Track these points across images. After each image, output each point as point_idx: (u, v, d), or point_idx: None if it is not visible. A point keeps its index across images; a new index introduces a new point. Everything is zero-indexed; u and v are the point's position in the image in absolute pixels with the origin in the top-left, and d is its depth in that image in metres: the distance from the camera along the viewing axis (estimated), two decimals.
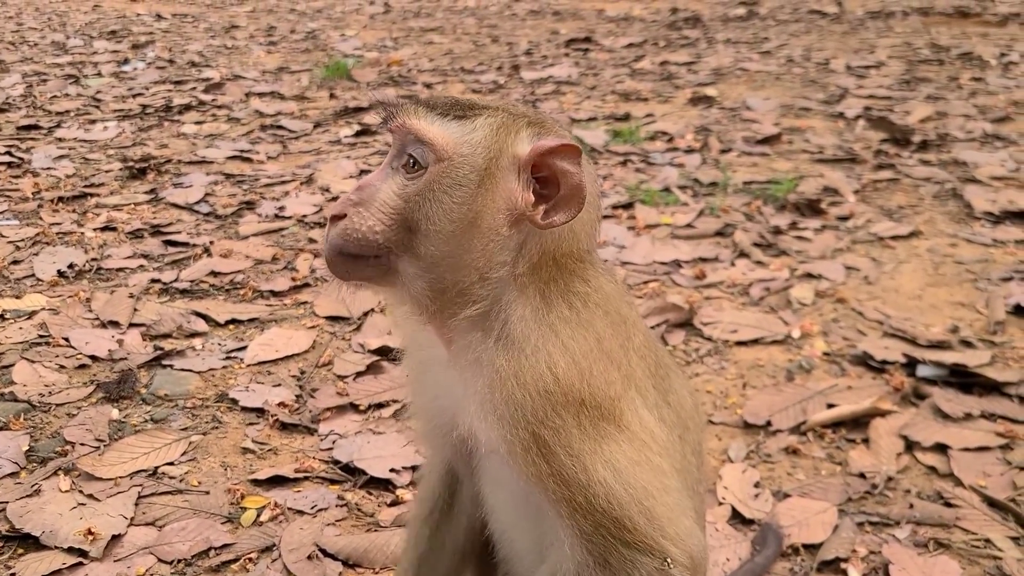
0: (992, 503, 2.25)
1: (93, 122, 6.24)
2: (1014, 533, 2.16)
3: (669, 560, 1.27)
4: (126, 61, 8.46)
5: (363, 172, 5.01)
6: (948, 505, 2.25)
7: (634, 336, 1.37)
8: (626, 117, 6.15)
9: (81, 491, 2.33)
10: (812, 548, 2.12)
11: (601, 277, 1.36)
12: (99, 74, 7.89)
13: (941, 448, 2.47)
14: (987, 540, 2.13)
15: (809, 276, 3.62)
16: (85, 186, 4.81)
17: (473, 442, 1.33)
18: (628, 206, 4.42)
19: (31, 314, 3.32)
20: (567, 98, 6.78)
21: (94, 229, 4.19)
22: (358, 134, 5.85)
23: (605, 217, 4.28)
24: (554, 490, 1.25)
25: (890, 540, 2.13)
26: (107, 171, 5.10)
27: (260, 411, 2.70)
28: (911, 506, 2.25)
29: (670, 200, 4.48)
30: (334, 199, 4.56)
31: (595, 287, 1.34)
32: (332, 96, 6.93)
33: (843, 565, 2.07)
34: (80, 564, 2.08)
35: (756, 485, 2.34)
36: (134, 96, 7.07)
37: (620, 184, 4.74)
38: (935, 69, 7.51)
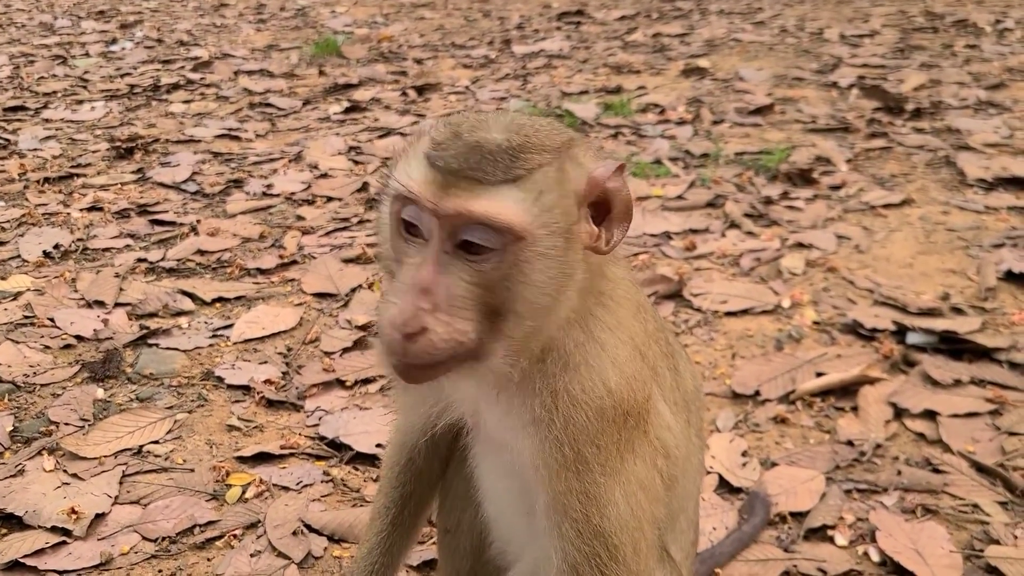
0: (981, 468, 2.24)
1: (80, 102, 6.18)
2: (1002, 498, 2.15)
3: None
4: (114, 41, 8.38)
5: (352, 149, 4.97)
6: (936, 471, 2.24)
7: (649, 322, 1.35)
8: (618, 90, 6.10)
9: (65, 471, 2.32)
10: (799, 516, 2.11)
11: (614, 266, 1.31)
12: (87, 54, 7.81)
13: (930, 415, 2.46)
14: (975, 505, 2.12)
15: (800, 246, 3.59)
16: (72, 167, 4.77)
17: (466, 426, 1.33)
18: None
19: (16, 295, 3.30)
20: (558, 72, 6.71)
21: (80, 209, 4.16)
22: (347, 111, 5.80)
23: None
24: (573, 507, 1.23)
25: (877, 507, 2.12)
26: (94, 151, 5.06)
27: (246, 389, 2.69)
28: (899, 473, 2.24)
29: (661, 172, 4.44)
30: (323, 176, 4.53)
31: (612, 278, 1.29)
32: (322, 73, 6.86)
33: (830, 532, 2.06)
34: (64, 543, 2.07)
35: (744, 454, 2.33)
36: (122, 76, 7.01)
37: (612, 156, 4.69)
38: (929, 37, 7.44)
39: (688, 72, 6.53)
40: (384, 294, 1.24)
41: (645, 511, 1.27)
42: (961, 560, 1.94)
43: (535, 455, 1.22)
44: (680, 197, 4.12)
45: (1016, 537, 2.01)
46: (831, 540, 2.04)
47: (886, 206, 3.97)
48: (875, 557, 1.98)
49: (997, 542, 2.00)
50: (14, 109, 6.01)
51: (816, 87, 6.05)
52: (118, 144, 5.08)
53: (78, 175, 4.65)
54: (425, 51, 7.65)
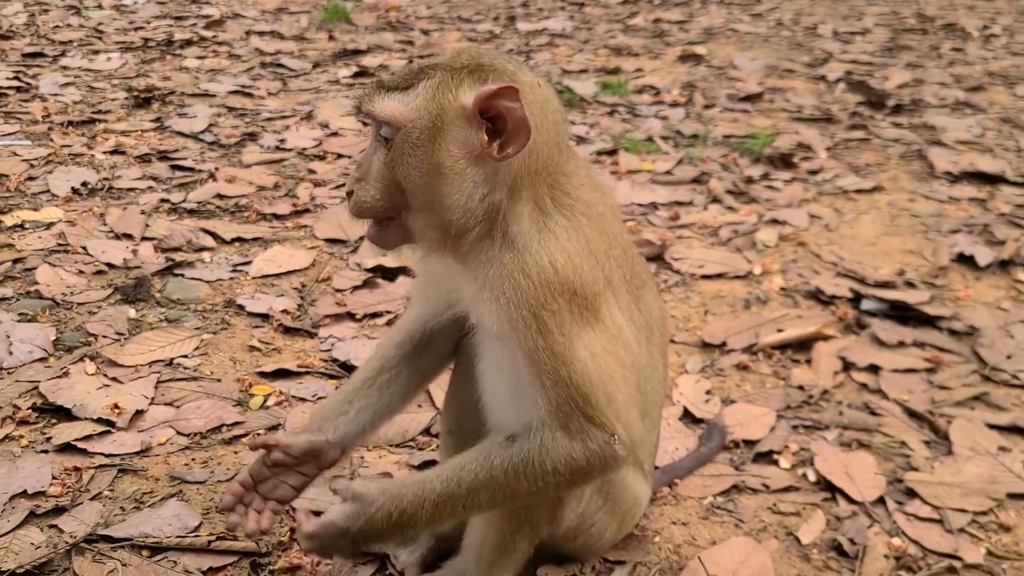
0: (912, 413, 2.56)
1: (96, 52, 6.40)
2: (927, 438, 2.47)
3: (616, 437, 1.55)
4: None
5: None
6: (873, 414, 2.56)
7: (614, 247, 1.62)
8: (616, 71, 6.37)
9: (105, 375, 2.60)
10: (751, 443, 2.43)
11: (581, 189, 1.59)
12: (100, 6, 8.00)
13: (874, 369, 2.78)
14: (903, 442, 2.44)
15: (775, 222, 3.90)
16: (93, 112, 5.01)
17: (470, 323, 1.61)
18: (612, 152, 4.67)
19: (49, 225, 3.56)
20: (560, 50, 6.98)
21: (103, 152, 4.41)
22: (356, 75, 6.05)
23: (589, 162, 4.54)
24: (544, 362, 1.51)
25: (819, 439, 2.44)
26: (113, 99, 5.29)
27: (265, 316, 2.97)
28: (841, 413, 2.56)
29: (652, 149, 4.73)
30: (334, 134, 4.80)
31: (576, 198, 1.58)
32: (331, 38, 7.10)
33: (776, 457, 2.37)
34: (108, 432, 2.36)
35: (707, 392, 2.64)
36: (135, 29, 7.21)
37: (606, 132, 4.99)
38: (918, 38, 7.73)
39: (685, 58, 6.81)
40: None
41: (615, 372, 1.54)
42: (884, 483, 2.26)
43: (504, 323, 1.51)
44: (668, 172, 4.42)
45: (933, 468, 2.33)
46: (776, 463, 2.36)
47: (858, 191, 4.28)
48: (812, 477, 2.30)
49: (917, 470, 2.32)
50: (32, 55, 6.22)
51: (805, 79, 6.34)
52: (136, 94, 5.32)
53: (99, 120, 4.90)
54: (432, 23, 7.89)
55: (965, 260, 3.53)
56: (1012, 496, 2.24)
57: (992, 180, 4.42)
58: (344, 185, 1.64)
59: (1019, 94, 6.03)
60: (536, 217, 1.53)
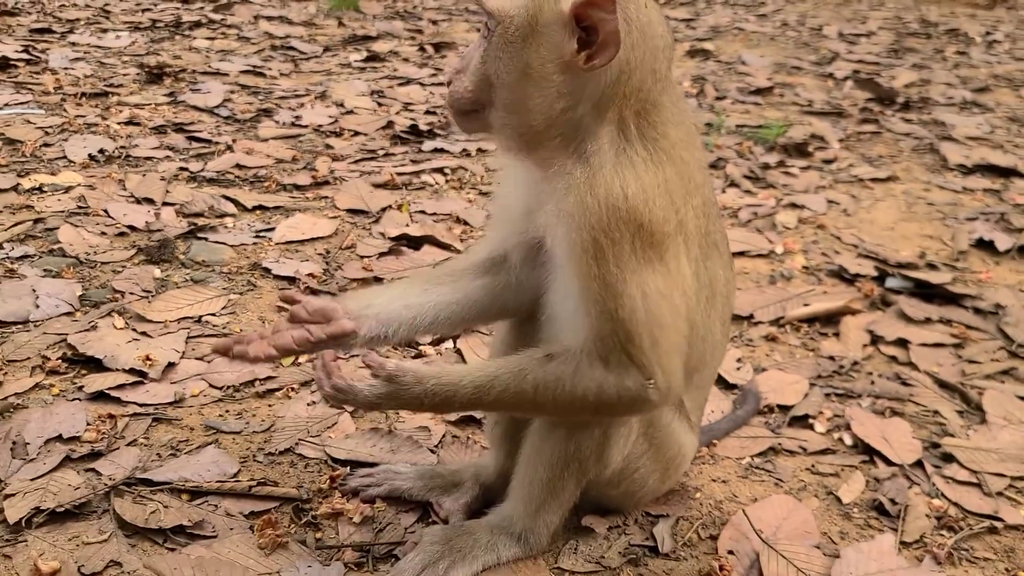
0: (943, 384, 2.57)
1: (105, 31, 6.37)
2: (959, 408, 2.48)
3: (653, 381, 1.53)
4: None
5: (374, 92, 5.22)
6: (904, 384, 2.57)
7: (694, 196, 1.58)
8: None
9: (134, 329, 2.58)
10: (785, 409, 2.43)
11: (670, 126, 1.55)
12: None
13: (902, 343, 2.79)
14: (936, 411, 2.45)
15: (793, 206, 3.91)
16: (105, 85, 4.98)
17: (542, 239, 1.58)
18: None
19: (68, 189, 3.53)
20: None
21: (119, 123, 4.38)
22: (367, 59, 6.04)
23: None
24: (595, 290, 1.49)
25: (852, 406, 2.44)
26: (124, 75, 5.26)
27: (291, 279, 2.95)
28: (872, 383, 2.56)
29: None
30: (349, 112, 4.78)
31: (663, 133, 1.53)
32: (340, 24, 7.09)
33: (811, 421, 2.37)
34: (140, 383, 2.33)
35: (738, 360, 2.64)
36: (143, 11, 7.19)
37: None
38: (922, 42, 7.81)
39: (693, 53, 6.84)
40: None
41: (665, 317, 1.51)
42: (920, 447, 2.26)
43: (565, 242, 1.50)
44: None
45: (968, 435, 2.34)
46: (811, 427, 2.35)
47: (873, 180, 4.31)
48: (848, 441, 2.30)
49: (953, 436, 2.33)
50: (40, 31, 6.18)
51: (813, 76, 6.38)
52: (148, 69, 5.29)
53: (112, 93, 4.86)
54: (440, 14, 7.90)
55: (984, 245, 3.56)
56: None
57: (1005, 173, 4.45)
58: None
59: None
60: (617, 142, 1.51)
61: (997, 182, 4.35)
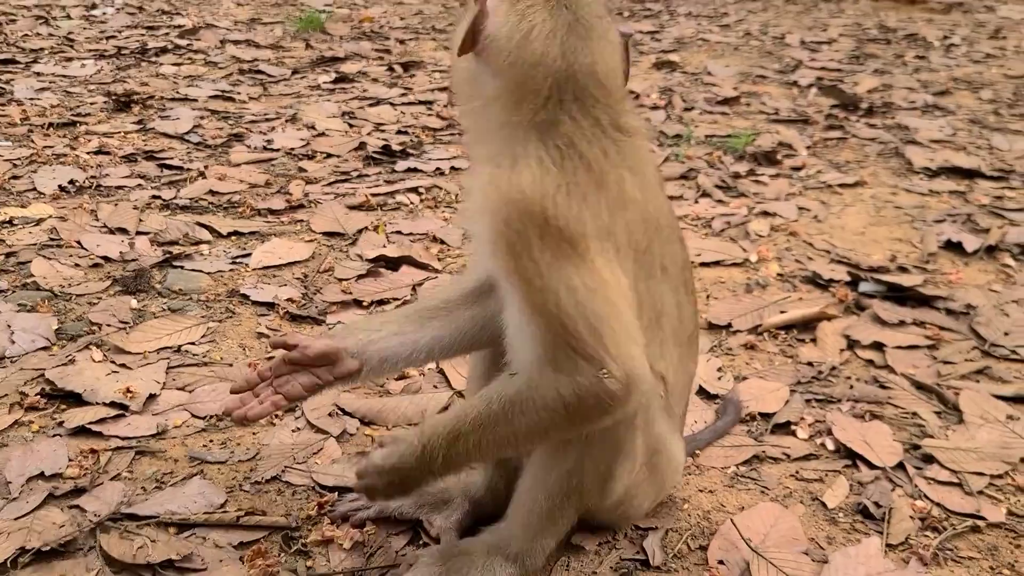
0: (920, 386, 2.61)
1: (70, 60, 6.31)
2: (937, 408, 2.52)
3: (606, 371, 1.49)
4: (94, 6, 8.46)
5: (345, 114, 5.22)
6: (882, 387, 2.61)
7: (627, 209, 1.55)
8: None
9: (113, 362, 2.55)
10: (767, 416, 2.45)
11: (599, 138, 1.53)
12: (68, 16, 7.89)
13: (878, 346, 2.83)
14: (914, 413, 2.49)
15: (765, 214, 3.96)
16: (73, 115, 4.94)
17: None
18: None
19: (39, 221, 3.49)
20: None
21: (88, 152, 4.34)
22: (336, 81, 6.04)
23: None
24: (521, 288, 1.49)
25: (833, 411, 2.47)
26: (92, 103, 5.22)
27: (270, 304, 2.94)
28: (851, 387, 2.60)
29: None
30: (321, 135, 4.78)
31: (590, 143, 1.52)
32: (308, 46, 7.08)
33: (793, 427, 2.40)
34: (122, 415, 2.31)
35: (719, 370, 2.66)
36: (107, 38, 7.13)
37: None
38: (882, 47, 7.94)
39: (660, 65, 6.91)
40: None
41: (600, 307, 1.49)
42: (901, 449, 2.30)
43: (482, 241, 1.54)
44: (657, 169, 4.46)
45: (947, 436, 2.38)
46: (793, 434, 2.38)
47: (841, 186, 4.37)
48: (830, 446, 2.33)
49: (932, 437, 2.36)
50: (4, 62, 6.11)
51: (778, 84, 6.47)
52: (115, 97, 5.25)
53: (80, 122, 4.82)
54: (407, 33, 7.91)
55: (953, 247, 3.62)
56: None
57: (969, 175, 4.54)
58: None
59: (984, 98, 6.21)
60: (534, 143, 1.51)
61: (962, 184, 4.43)
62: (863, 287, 3.19)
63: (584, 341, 1.49)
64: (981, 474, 2.22)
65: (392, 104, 5.51)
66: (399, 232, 3.57)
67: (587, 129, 1.54)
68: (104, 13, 8.17)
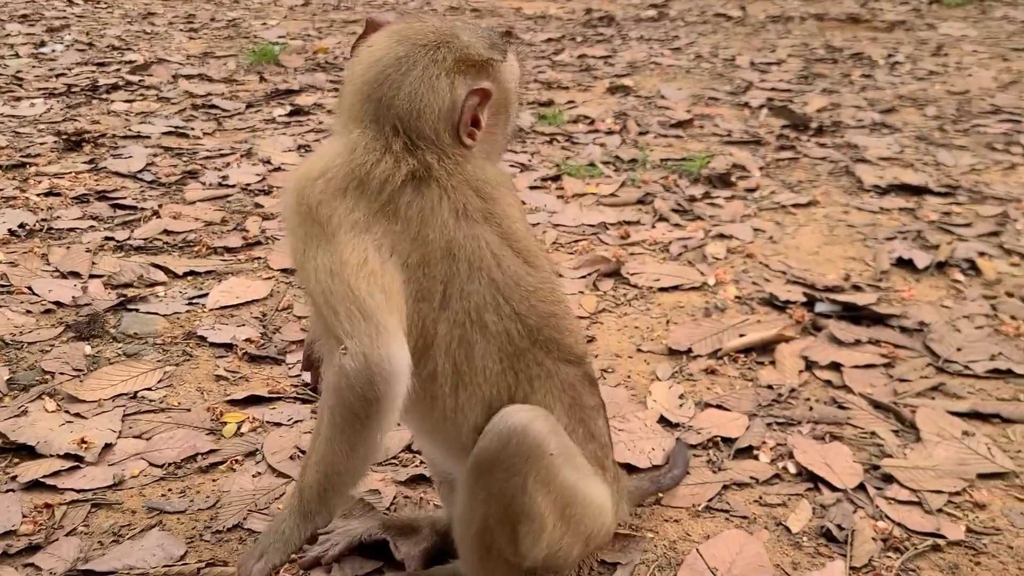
0: (877, 405, 2.65)
1: (18, 99, 6.21)
2: (895, 427, 2.56)
3: (343, 348, 1.47)
4: (43, 44, 8.35)
5: (301, 147, 5.20)
6: (841, 408, 2.64)
7: (408, 227, 1.56)
8: (549, 103, 6.50)
9: (67, 411, 2.50)
10: (729, 442, 2.47)
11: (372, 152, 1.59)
12: (16, 55, 7.78)
13: (835, 366, 2.87)
14: (873, 432, 2.52)
15: (721, 236, 4.01)
16: (22, 156, 4.85)
17: None
18: (556, 178, 4.75)
19: None
20: None
21: (38, 194, 4.27)
22: (291, 114, 6.01)
23: (534, 188, 4.61)
24: (296, 262, 1.61)
25: (793, 434, 2.50)
26: (41, 143, 5.14)
27: (228, 346, 2.90)
28: (811, 409, 2.63)
29: (595, 173, 4.83)
30: (277, 169, 4.75)
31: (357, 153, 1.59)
32: (262, 79, 7.05)
33: (755, 452, 2.42)
34: (77, 467, 2.26)
35: (680, 397, 2.68)
36: (57, 76, 7.03)
37: (548, 160, 5.08)
38: (830, 67, 8.11)
39: (613, 89, 6.99)
40: None
41: (337, 288, 1.49)
42: (861, 470, 2.33)
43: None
44: (613, 195, 4.51)
45: (905, 454, 2.41)
46: (755, 458, 2.40)
47: (795, 206, 4.45)
48: (792, 469, 2.35)
49: (891, 456, 2.40)
50: None
51: (730, 106, 6.58)
52: (65, 137, 5.17)
53: (29, 164, 4.74)
54: None
55: (904, 263, 3.70)
56: (982, 476, 2.33)
57: (918, 191, 4.64)
58: None
59: (929, 114, 6.37)
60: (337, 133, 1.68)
61: (911, 200, 4.53)
62: (819, 307, 3.24)
63: (329, 320, 1.51)
64: (940, 492, 2.25)
65: None
66: None
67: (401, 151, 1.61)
68: (53, 51, 8.07)
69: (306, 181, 1.57)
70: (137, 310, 3.12)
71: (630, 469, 2.32)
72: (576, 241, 3.92)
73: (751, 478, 2.31)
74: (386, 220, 1.57)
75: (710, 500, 2.23)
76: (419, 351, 1.58)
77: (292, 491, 1.63)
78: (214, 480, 2.26)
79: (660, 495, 2.26)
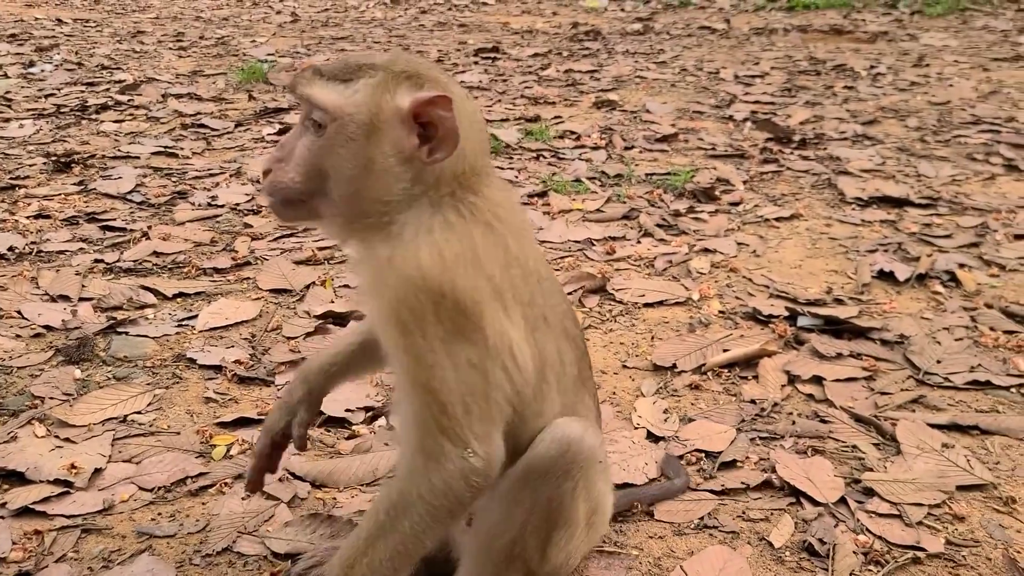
0: (858, 419, 2.69)
1: (7, 120, 6.24)
2: (875, 440, 2.60)
3: (471, 450, 1.53)
4: (32, 64, 8.38)
5: None
6: (823, 422, 2.68)
7: (512, 267, 1.60)
8: (536, 119, 6.55)
9: (57, 436, 2.52)
10: (714, 456, 2.51)
11: (495, 191, 1.62)
12: (6, 75, 7.81)
13: (817, 380, 2.91)
14: (854, 446, 2.56)
15: (706, 251, 4.06)
16: (11, 178, 4.88)
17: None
18: (543, 195, 4.79)
19: None
20: (479, 101, 7.13)
21: (27, 217, 4.29)
22: (280, 132, 6.05)
23: (521, 205, 4.64)
24: (406, 363, 1.53)
25: (777, 448, 2.54)
26: (31, 165, 5.16)
27: (218, 368, 2.93)
28: (793, 423, 2.67)
29: (580, 189, 4.88)
30: None
31: (485, 196, 1.59)
32: (251, 98, 7.09)
33: (739, 466, 2.46)
34: (67, 493, 2.28)
35: (665, 412, 2.72)
36: (46, 97, 7.07)
37: (534, 176, 5.12)
38: (812, 79, 8.20)
39: (599, 104, 7.05)
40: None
41: (477, 386, 1.53)
42: (843, 484, 2.37)
43: (376, 317, 1.56)
44: (599, 210, 4.56)
45: (886, 468, 2.45)
46: (739, 474, 2.43)
47: (778, 219, 4.50)
48: (775, 484, 2.38)
49: (872, 470, 2.44)
50: None
51: (714, 120, 6.64)
52: (55, 158, 5.20)
53: (19, 186, 4.76)
54: None
55: (885, 276, 3.75)
56: (961, 488, 2.37)
57: (899, 203, 4.70)
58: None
59: (910, 126, 6.44)
60: (424, 212, 1.55)
61: (892, 212, 4.59)
62: (801, 321, 3.29)
63: (456, 419, 1.53)
64: (920, 505, 2.29)
65: None
66: (347, 286, 3.58)
67: (488, 184, 1.62)
68: (42, 71, 8.10)
69: (440, 272, 1.48)
70: (127, 333, 3.14)
71: (628, 488, 2.35)
72: (562, 258, 3.96)
73: (735, 494, 2.34)
74: (505, 267, 1.59)
75: (700, 518, 2.26)
76: (538, 373, 1.67)
77: None
78: (203, 503, 2.29)
79: (652, 510, 2.29)
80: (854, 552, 2.12)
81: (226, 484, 2.35)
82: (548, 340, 1.72)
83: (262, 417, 2.65)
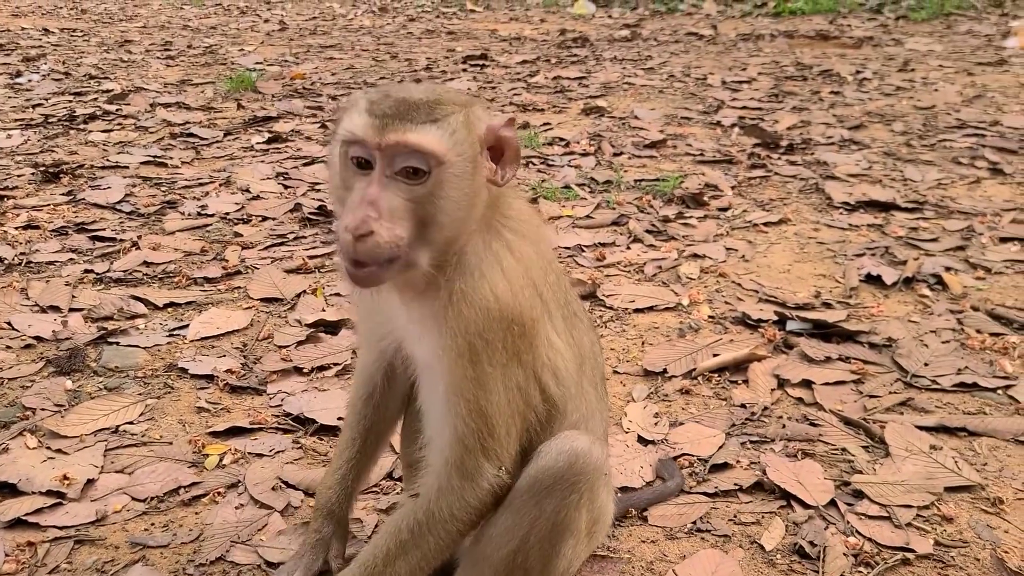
0: (848, 422, 2.72)
1: None
2: (864, 443, 2.62)
3: (503, 468, 1.63)
4: (19, 74, 8.36)
5: (280, 174, 5.24)
6: (813, 425, 2.70)
7: (549, 273, 1.71)
8: (525, 126, 6.57)
9: (49, 447, 2.52)
10: (704, 460, 2.52)
11: (518, 201, 1.69)
12: None
13: (807, 383, 2.94)
14: (843, 448, 2.59)
15: (695, 256, 4.09)
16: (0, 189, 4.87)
17: (413, 354, 1.69)
18: (533, 201, 4.81)
19: None
20: None
21: (16, 228, 4.28)
22: (269, 141, 6.05)
23: None
24: (468, 390, 1.57)
25: (766, 452, 2.56)
26: (19, 175, 5.15)
27: (209, 377, 2.93)
28: (783, 427, 2.69)
29: (570, 195, 4.90)
30: (255, 197, 4.78)
31: (517, 210, 1.66)
32: (240, 107, 7.09)
33: (730, 470, 2.47)
34: (59, 504, 2.28)
35: (655, 416, 2.73)
36: (34, 107, 7.05)
37: (524, 183, 5.14)
38: (799, 84, 8.26)
39: (588, 111, 7.09)
40: (338, 215, 1.55)
41: (518, 408, 1.62)
42: (833, 486, 2.39)
43: (438, 346, 1.57)
44: (588, 217, 4.58)
45: (875, 470, 2.48)
46: (730, 477, 2.45)
47: (766, 224, 4.53)
48: (766, 487, 2.40)
49: (861, 472, 2.46)
50: None
51: (702, 125, 6.68)
52: (43, 169, 5.19)
53: (7, 197, 4.75)
54: (339, 88, 7.98)
55: (873, 280, 3.78)
56: (949, 489, 2.39)
57: (885, 207, 4.74)
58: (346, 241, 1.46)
59: (896, 130, 6.50)
60: (486, 238, 1.60)
61: (879, 216, 4.63)
62: (790, 325, 3.31)
63: (499, 439, 1.61)
64: (908, 506, 2.31)
65: (326, 162, 5.53)
66: (338, 295, 3.59)
67: (514, 196, 1.68)
68: (30, 80, 8.08)
69: (511, 299, 1.55)
70: (118, 343, 3.14)
71: (628, 492, 2.37)
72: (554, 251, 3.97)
73: (726, 497, 2.35)
74: (545, 275, 1.67)
75: (692, 522, 2.28)
76: (578, 370, 1.75)
77: None
78: (197, 513, 2.29)
79: (646, 513, 2.31)
80: (844, 554, 2.14)
81: (219, 493, 2.35)
82: (583, 333, 1.82)
83: (254, 426, 2.65)
